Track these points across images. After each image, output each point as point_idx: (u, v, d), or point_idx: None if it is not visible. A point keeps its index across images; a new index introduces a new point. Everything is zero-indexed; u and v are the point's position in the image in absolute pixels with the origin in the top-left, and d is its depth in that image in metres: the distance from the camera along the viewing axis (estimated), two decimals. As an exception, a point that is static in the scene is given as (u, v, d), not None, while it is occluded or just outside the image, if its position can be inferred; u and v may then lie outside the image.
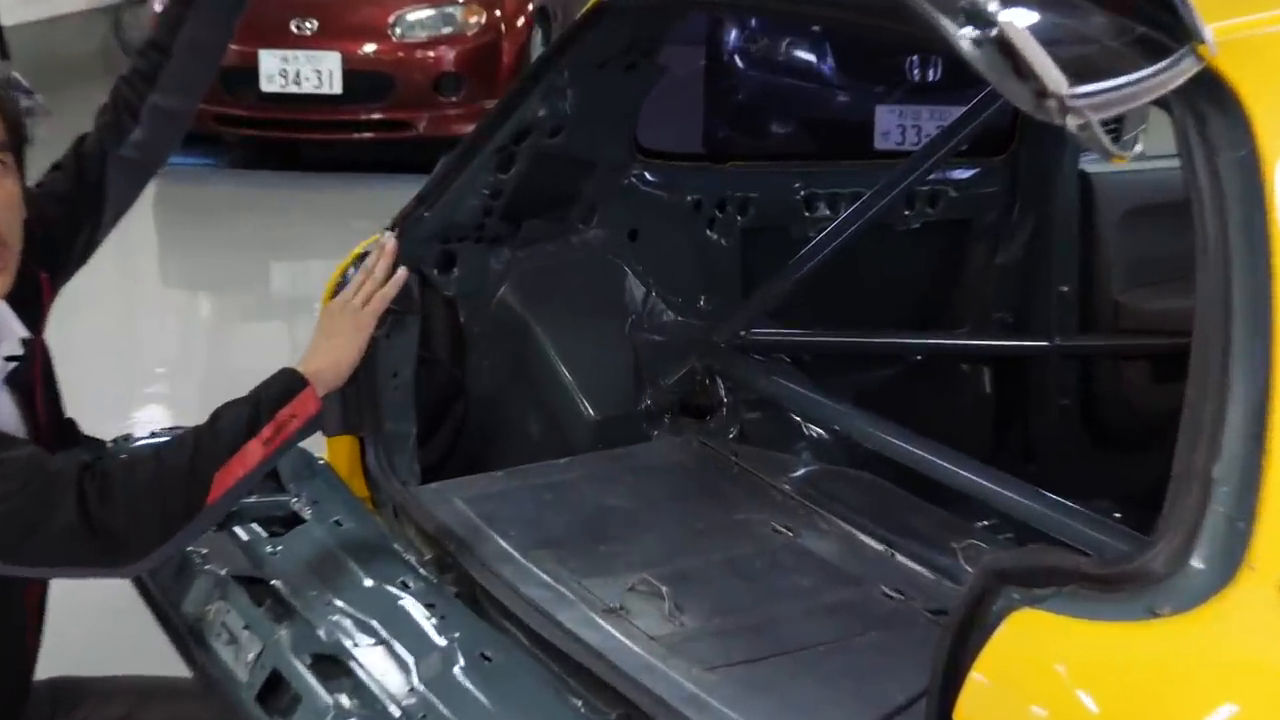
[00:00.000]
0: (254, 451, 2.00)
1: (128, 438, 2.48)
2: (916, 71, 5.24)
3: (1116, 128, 1.47)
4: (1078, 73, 1.43)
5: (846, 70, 5.78)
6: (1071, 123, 1.42)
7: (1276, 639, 1.41)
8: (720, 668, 2.03)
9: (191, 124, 2.43)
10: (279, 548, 2.32)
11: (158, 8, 8.39)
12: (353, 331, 2.27)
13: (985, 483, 2.46)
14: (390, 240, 2.45)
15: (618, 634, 2.09)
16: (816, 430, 3.00)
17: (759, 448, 2.92)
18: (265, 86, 7.55)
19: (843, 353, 3.25)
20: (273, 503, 2.42)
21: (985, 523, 2.55)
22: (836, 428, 2.90)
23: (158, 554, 1.97)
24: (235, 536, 2.34)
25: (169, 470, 1.96)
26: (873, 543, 2.44)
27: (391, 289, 2.36)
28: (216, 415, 2.04)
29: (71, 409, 2.30)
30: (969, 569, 2.23)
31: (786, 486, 2.67)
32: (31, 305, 2.15)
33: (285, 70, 7.54)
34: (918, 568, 2.36)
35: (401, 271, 2.40)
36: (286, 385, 2.08)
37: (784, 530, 2.49)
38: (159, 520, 1.94)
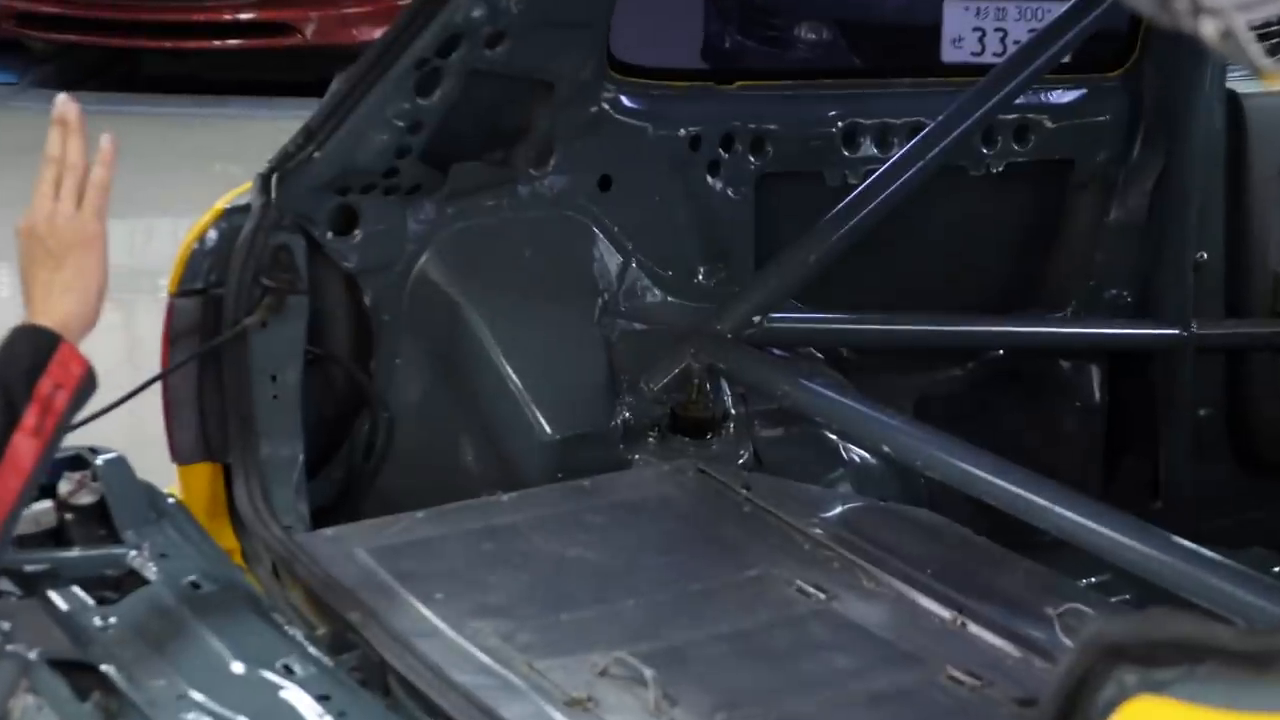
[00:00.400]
0: (24, 448, 1.99)
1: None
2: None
3: (1276, 33, 1.44)
4: None
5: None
6: (1209, 28, 1.38)
7: None
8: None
9: None
10: (111, 620, 2.25)
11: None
12: (81, 247, 2.18)
13: (1093, 525, 2.45)
14: (72, 107, 2.25)
15: None
16: (860, 453, 3.01)
17: (780, 477, 2.93)
18: (93, -24, 7.58)
19: (897, 346, 3.27)
20: (102, 557, 2.38)
21: (1092, 579, 2.57)
22: (887, 449, 2.89)
23: None
24: (49, 604, 2.27)
25: None
26: (937, 608, 2.43)
27: (103, 170, 2.26)
28: None
29: None
30: (1068, 642, 2.23)
31: (818, 530, 2.65)
32: None
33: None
34: (998, 641, 2.34)
35: (107, 144, 2.27)
36: (34, 348, 2.05)
37: (814, 591, 2.47)
38: None
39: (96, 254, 2.19)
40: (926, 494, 2.91)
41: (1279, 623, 1.49)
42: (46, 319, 2.08)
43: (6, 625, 2.21)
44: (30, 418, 1.99)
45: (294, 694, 2.13)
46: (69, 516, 2.44)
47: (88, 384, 2.08)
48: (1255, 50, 1.41)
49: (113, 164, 2.27)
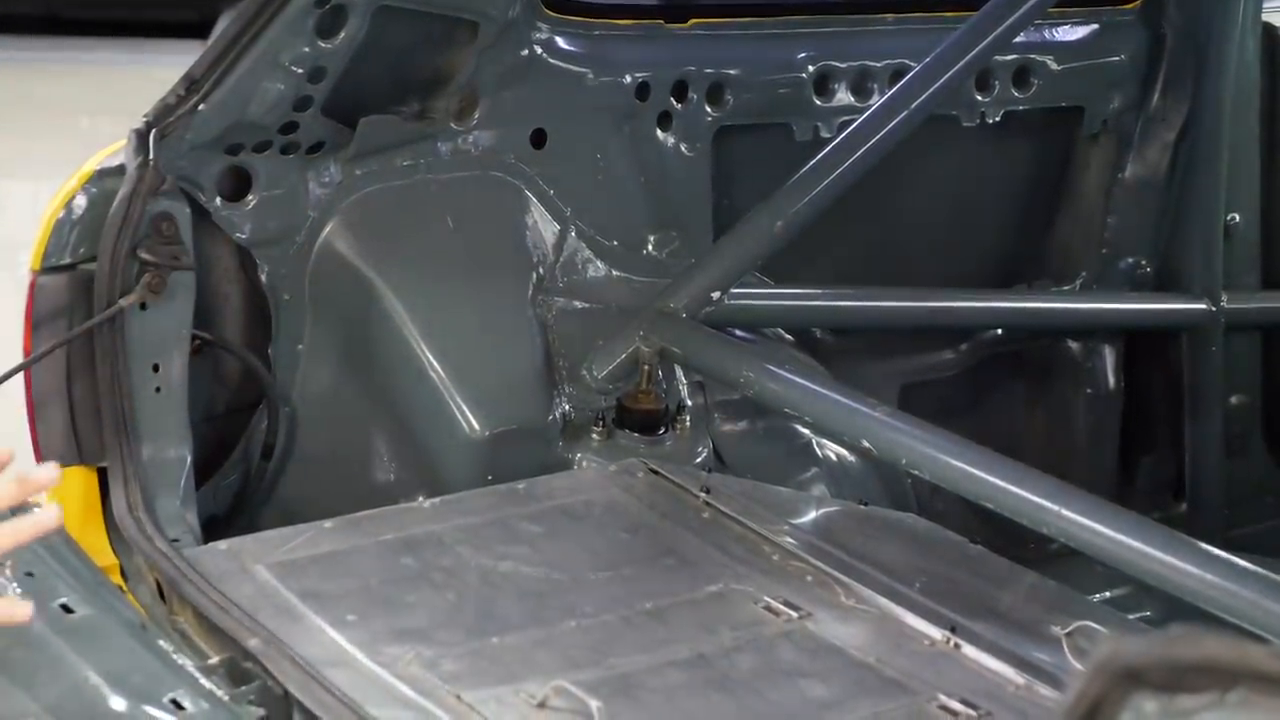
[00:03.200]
0: None
1: None
2: None
3: None
4: None
5: None
6: None
7: None
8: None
9: None
10: None
11: None
12: None
13: (1108, 531, 2.46)
14: (55, 513, 2.16)
15: None
16: (835, 449, 3.03)
17: (744, 478, 2.94)
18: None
19: (878, 326, 3.28)
20: None
21: (1107, 594, 2.59)
22: (867, 445, 2.88)
23: None
24: None
25: None
26: (926, 627, 2.44)
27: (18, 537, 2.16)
28: None
29: None
30: (1078, 665, 2.27)
31: (788, 539, 2.66)
32: None
33: None
34: (997, 665, 2.35)
35: (50, 516, 2.16)
36: None
37: (784, 609, 2.48)
38: None
39: None
40: (914, 496, 2.93)
41: None
42: None
43: None
44: None
45: (182, 735, 2.14)
46: None
47: None
48: None
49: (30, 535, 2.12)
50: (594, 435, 2.99)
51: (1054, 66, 3.32)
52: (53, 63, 7.46)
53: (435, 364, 2.91)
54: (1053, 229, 3.46)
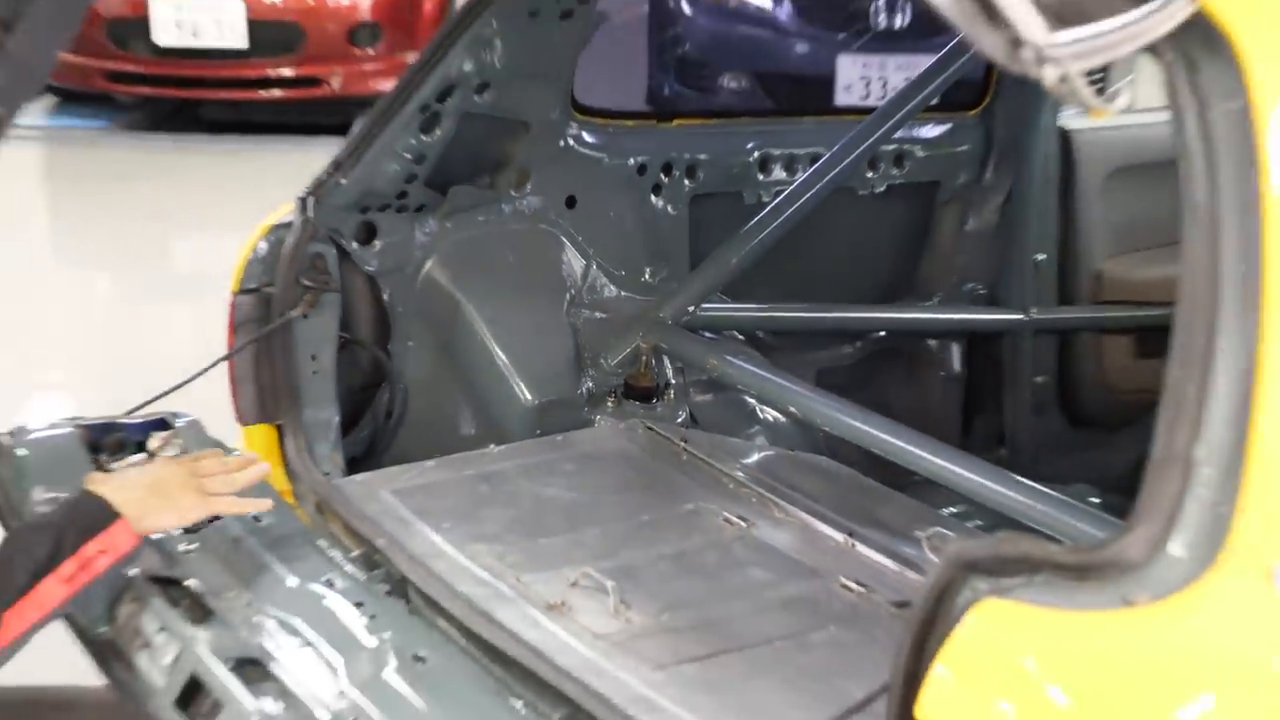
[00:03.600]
0: (53, 592, 1.90)
1: (21, 430, 2.44)
2: (882, 17, 5.22)
3: (1101, 79, 1.47)
4: (1057, 17, 1.41)
5: (805, 16, 5.77)
6: (1050, 75, 1.40)
7: (1259, 629, 1.45)
8: (669, 666, 2.04)
9: (66, 84, 2.34)
10: (194, 545, 2.27)
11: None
12: (183, 508, 2.13)
13: (953, 468, 2.49)
14: (265, 466, 2.30)
15: (560, 631, 2.10)
16: (772, 413, 3.05)
17: (710, 433, 2.95)
18: (160, 39, 7.47)
19: (801, 329, 3.27)
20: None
21: (953, 510, 2.61)
22: (794, 410, 2.93)
23: None
24: None
25: None
26: (832, 533, 2.47)
27: (243, 509, 2.24)
28: (12, 539, 1.96)
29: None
30: (934, 559, 2.28)
31: (740, 474, 2.68)
32: None
33: (181, 20, 7.45)
34: (880, 558, 2.38)
35: (265, 501, 2.29)
36: (96, 515, 1.97)
37: (737, 521, 2.50)
38: None
39: (185, 519, 2.14)
40: (825, 445, 2.95)
41: (1097, 542, 1.52)
42: (119, 497, 2.00)
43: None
44: (68, 568, 1.90)
45: (335, 601, 2.18)
46: None
47: (134, 554, 2.01)
48: (1086, 92, 1.44)
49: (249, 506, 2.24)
50: (608, 404, 3.01)
51: (920, 153, 3.34)
52: (245, 153, 7.38)
53: (501, 355, 2.92)
54: (920, 264, 3.45)
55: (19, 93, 2.25)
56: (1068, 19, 1.43)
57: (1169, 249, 1.61)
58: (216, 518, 2.32)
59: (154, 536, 2.27)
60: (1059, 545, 1.53)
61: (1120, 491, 2.21)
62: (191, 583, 2.19)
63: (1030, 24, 1.39)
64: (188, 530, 2.30)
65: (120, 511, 1.97)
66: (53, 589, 1.90)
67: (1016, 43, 1.40)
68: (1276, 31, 1.60)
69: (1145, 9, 1.50)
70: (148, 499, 2.05)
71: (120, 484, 2.06)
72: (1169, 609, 1.45)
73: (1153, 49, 1.54)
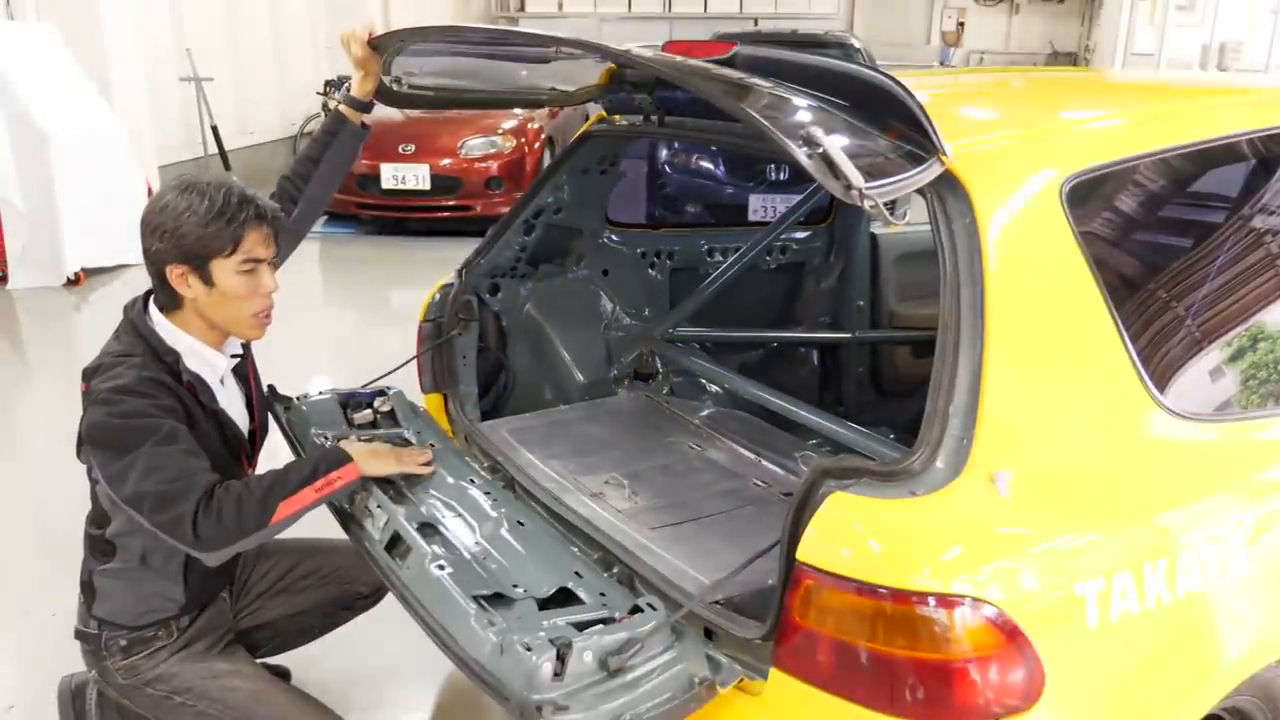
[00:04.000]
0: (308, 494, 1.89)
1: (305, 395, 2.43)
2: (773, 173, 5.27)
3: (892, 206, 1.47)
4: (870, 173, 1.44)
5: (732, 172, 5.81)
6: (867, 204, 1.42)
7: (984, 509, 1.44)
8: (659, 528, 2.03)
9: (335, 209, 2.38)
10: None
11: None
12: (388, 466, 2.08)
13: (814, 418, 2.46)
14: (428, 456, 2.20)
15: (598, 508, 2.09)
16: (715, 388, 3.01)
17: (681, 399, 2.92)
18: (385, 185, 7.47)
19: (730, 342, 3.22)
20: (394, 433, 2.35)
21: (814, 442, 2.56)
22: (727, 386, 2.90)
23: (228, 550, 1.84)
24: None
25: (250, 497, 1.84)
26: (748, 454, 2.44)
27: (416, 471, 2.14)
28: (289, 466, 1.95)
29: (270, 380, 2.30)
30: (805, 469, 2.27)
31: (697, 421, 2.66)
32: None
33: (397, 175, 7.46)
34: (774, 468, 2.36)
35: (429, 468, 2.17)
36: (339, 457, 1.96)
37: (696, 448, 2.48)
38: (233, 531, 1.82)
39: (385, 472, 2.08)
40: (743, 406, 2.90)
41: (894, 460, 1.52)
42: (355, 455, 1.99)
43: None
44: (320, 483, 1.92)
45: (475, 491, 2.15)
46: (377, 417, 2.42)
47: (354, 485, 1.99)
48: (886, 214, 1.46)
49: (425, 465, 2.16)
50: (625, 383, 2.96)
51: (795, 247, 3.30)
52: (428, 246, 7.40)
53: (566, 355, 2.89)
54: (795, 306, 3.39)
55: (312, 216, 2.28)
56: (876, 175, 1.46)
57: (930, 298, 1.60)
58: (374, 424, 2.40)
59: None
60: (874, 462, 1.53)
61: (906, 431, 2.20)
62: (395, 479, 2.16)
63: (856, 177, 1.42)
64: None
65: (354, 458, 1.98)
66: (308, 494, 1.90)
67: (849, 187, 1.42)
68: (989, 181, 1.61)
69: (918, 169, 1.53)
70: (370, 458, 2.03)
71: (355, 447, 2.05)
72: (936, 499, 1.45)
73: (921, 191, 1.56)
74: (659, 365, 3.02)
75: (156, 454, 1.82)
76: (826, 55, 1.85)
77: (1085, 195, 1.67)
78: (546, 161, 7.96)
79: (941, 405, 1.47)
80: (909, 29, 16.09)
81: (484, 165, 7.55)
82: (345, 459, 1.96)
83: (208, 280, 1.92)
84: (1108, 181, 1.75)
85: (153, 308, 1.99)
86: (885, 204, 1.44)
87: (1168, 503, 1.57)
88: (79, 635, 2.11)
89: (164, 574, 2.02)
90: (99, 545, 2.06)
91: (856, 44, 8.15)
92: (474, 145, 7.59)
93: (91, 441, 1.87)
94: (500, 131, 7.69)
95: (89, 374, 1.93)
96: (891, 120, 1.61)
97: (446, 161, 7.52)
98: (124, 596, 2.05)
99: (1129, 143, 1.82)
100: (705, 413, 2.77)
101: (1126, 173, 1.78)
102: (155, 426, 1.84)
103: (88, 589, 2.09)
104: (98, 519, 2.05)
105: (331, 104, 10.38)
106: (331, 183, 2.28)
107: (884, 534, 1.43)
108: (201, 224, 1.88)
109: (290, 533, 1.96)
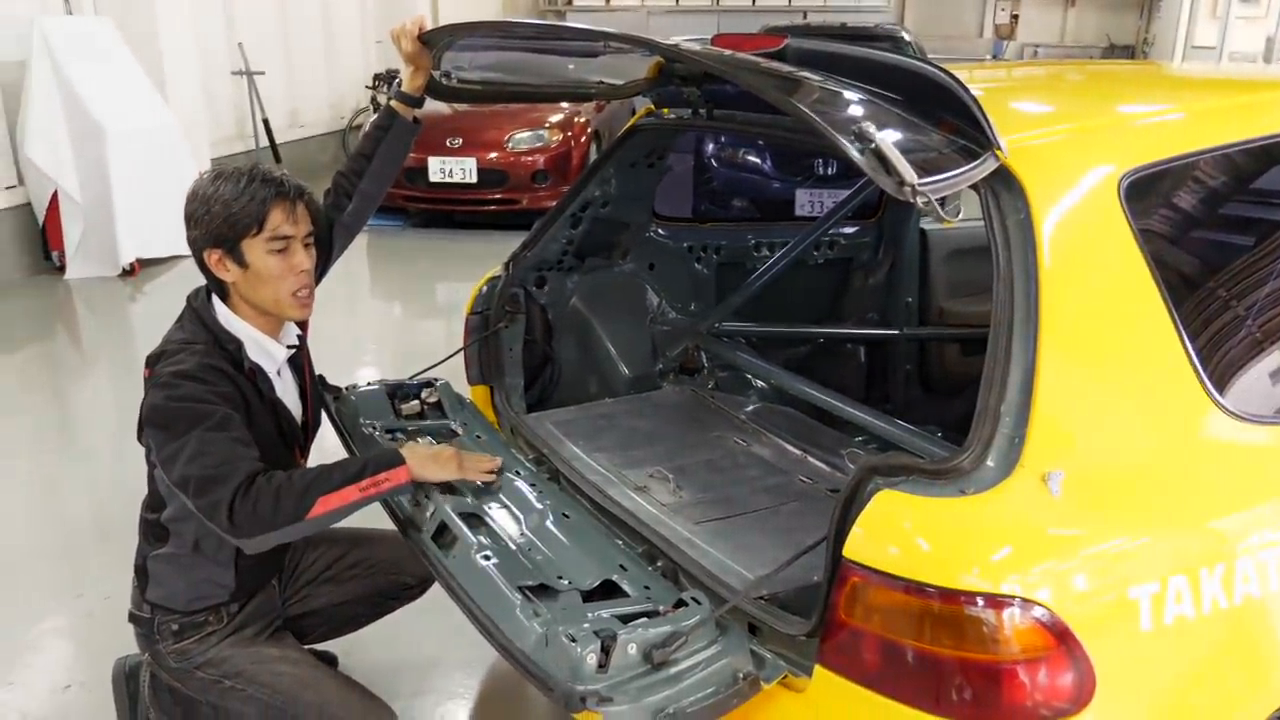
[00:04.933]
0: (351, 493, 1.86)
1: (353, 386, 2.45)
2: (821, 167, 5.22)
3: (944, 202, 1.45)
4: (923, 169, 1.42)
5: (779, 167, 5.77)
6: (920, 200, 1.40)
7: (1035, 509, 1.41)
8: (703, 523, 2.03)
9: (383, 202, 2.39)
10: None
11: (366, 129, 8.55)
12: (446, 471, 2.03)
13: (861, 414, 2.44)
14: (498, 464, 2.15)
15: (642, 502, 2.09)
16: (760, 383, 2.99)
17: (726, 394, 2.91)
18: (432, 178, 7.51)
19: (776, 338, 3.21)
20: (441, 424, 2.36)
21: (860, 439, 2.54)
22: (772, 382, 2.88)
23: (263, 539, 1.82)
24: (417, 444, 2.23)
25: (290, 489, 1.81)
26: (794, 450, 2.43)
27: (476, 479, 2.09)
28: (339, 463, 1.91)
29: (318, 371, 2.32)
30: (852, 465, 2.27)
31: (742, 416, 2.65)
32: None
33: (444, 168, 7.50)
34: (820, 465, 2.34)
35: (492, 476, 2.11)
36: (390, 460, 1.92)
37: (741, 442, 2.47)
38: (267, 520, 1.80)
39: (445, 478, 2.03)
40: (789, 401, 2.88)
41: (944, 458, 1.50)
42: (410, 457, 1.95)
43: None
44: (365, 483, 1.88)
45: (520, 483, 2.15)
46: (424, 408, 2.43)
47: (403, 488, 1.95)
48: (939, 210, 1.43)
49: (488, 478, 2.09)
50: (670, 377, 2.95)
51: (843, 242, 3.28)
52: (475, 239, 7.43)
53: (612, 349, 2.89)
54: (842, 302, 3.36)
55: (366, 211, 2.30)
56: (930, 170, 1.43)
57: (980, 295, 1.58)
58: (421, 416, 2.37)
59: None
60: (923, 459, 1.52)
61: (954, 430, 2.18)
62: None
63: (909, 173, 1.40)
64: (440, 442, 2.26)
65: (406, 461, 1.94)
66: (351, 492, 1.87)
67: (902, 184, 1.40)
68: (1045, 176, 1.58)
69: (972, 164, 1.50)
70: (427, 462, 2.00)
71: (415, 450, 2.01)
72: (986, 498, 1.43)
73: (975, 186, 1.54)
74: (704, 360, 3.00)
75: (205, 439, 1.84)
76: (877, 49, 1.81)
77: (1144, 191, 1.64)
78: (592, 156, 7.98)
79: (993, 403, 1.45)
80: (961, 22, 15.89)
81: (530, 159, 7.57)
82: (397, 461, 1.93)
83: (241, 262, 1.95)
84: (1167, 178, 1.71)
85: (215, 298, 2.03)
86: (938, 200, 1.42)
87: (1226, 506, 1.53)
88: (132, 619, 2.15)
89: (216, 560, 2.06)
90: (153, 530, 2.10)
91: (907, 37, 8.08)
92: (521, 139, 7.61)
93: (149, 423, 1.91)
94: (547, 125, 7.70)
95: (152, 360, 1.97)
96: (945, 114, 1.58)
97: (493, 155, 7.54)
98: (176, 582, 2.09)
99: (1189, 138, 1.78)
100: (750, 408, 2.76)
101: (1186, 169, 1.74)
102: (209, 413, 1.87)
103: (141, 574, 2.13)
104: (153, 504, 2.09)
105: (380, 98, 10.51)
106: (384, 178, 2.30)
107: (933, 532, 1.42)
108: (227, 206, 1.92)
109: (342, 522, 1.97)
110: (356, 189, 2.27)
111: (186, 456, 1.84)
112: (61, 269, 6.52)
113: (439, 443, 2.29)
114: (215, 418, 1.87)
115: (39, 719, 2.47)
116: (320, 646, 2.43)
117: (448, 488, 2.06)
